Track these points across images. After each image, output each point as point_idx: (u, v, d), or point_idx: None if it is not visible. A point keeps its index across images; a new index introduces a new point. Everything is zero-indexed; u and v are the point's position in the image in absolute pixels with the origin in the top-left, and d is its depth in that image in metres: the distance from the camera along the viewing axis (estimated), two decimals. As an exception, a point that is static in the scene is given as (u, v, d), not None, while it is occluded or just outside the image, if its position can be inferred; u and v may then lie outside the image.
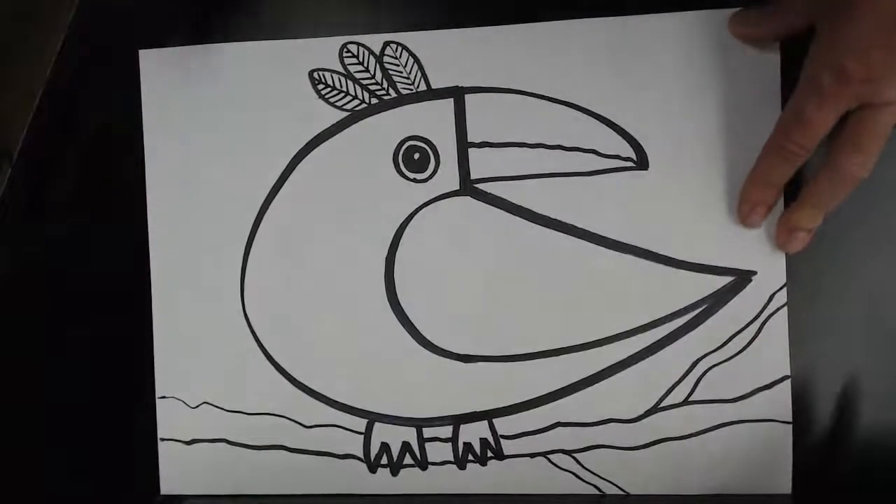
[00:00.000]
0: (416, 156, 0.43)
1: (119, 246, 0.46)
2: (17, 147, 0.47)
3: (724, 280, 0.40)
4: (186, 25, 0.46)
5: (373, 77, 0.43)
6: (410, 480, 0.43)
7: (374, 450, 0.43)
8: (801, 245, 0.39)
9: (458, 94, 0.43)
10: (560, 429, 0.42)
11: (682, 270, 0.41)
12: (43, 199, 0.47)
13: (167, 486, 0.45)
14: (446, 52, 0.43)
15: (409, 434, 0.43)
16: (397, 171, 0.43)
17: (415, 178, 0.43)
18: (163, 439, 0.45)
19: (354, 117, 0.43)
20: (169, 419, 0.45)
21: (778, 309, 0.40)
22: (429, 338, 0.43)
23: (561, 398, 0.42)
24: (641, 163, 0.41)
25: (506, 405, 0.42)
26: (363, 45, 0.43)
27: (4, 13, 0.48)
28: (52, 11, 0.47)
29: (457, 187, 0.43)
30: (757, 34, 0.40)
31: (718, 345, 0.40)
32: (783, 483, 0.40)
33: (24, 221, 0.47)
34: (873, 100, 0.34)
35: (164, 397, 0.45)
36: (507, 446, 0.42)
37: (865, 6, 0.33)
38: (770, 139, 0.38)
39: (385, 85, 0.43)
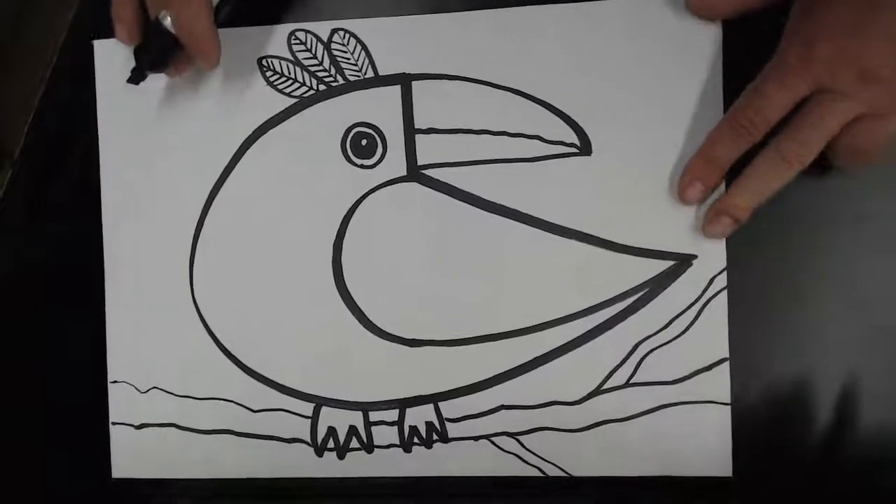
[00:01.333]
0: (364, 142, 0.43)
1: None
2: (18, 147, 0.47)
3: (665, 264, 0.41)
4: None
5: (321, 64, 0.44)
6: (357, 464, 0.43)
7: (321, 434, 0.44)
8: (723, 230, 0.39)
9: (405, 81, 0.43)
10: (504, 412, 0.42)
11: (623, 255, 0.41)
12: (43, 199, 0.47)
13: (118, 471, 0.45)
14: (393, 40, 0.43)
15: (356, 418, 0.43)
16: (345, 158, 0.43)
17: (362, 165, 0.43)
18: (114, 423, 0.46)
19: (303, 104, 0.44)
20: (120, 403, 0.45)
21: (718, 292, 0.40)
22: (376, 322, 0.43)
23: (505, 381, 0.42)
24: (585, 148, 0.42)
25: (451, 388, 0.43)
26: (311, 33, 0.44)
27: (4, 13, 0.48)
28: (52, 11, 0.47)
29: (404, 173, 0.43)
30: (724, 5, 0.39)
31: (659, 328, 0.41)
32: (724, 465, 0.40)
33: (24, 221, 0.47)
34: (832, 86, 0.35)
35: (115, 382, 0.46)
36: (452, 429, 0.43)
37: None
38: (726, 114, 0.39)
39: (333, 72, 0.44)
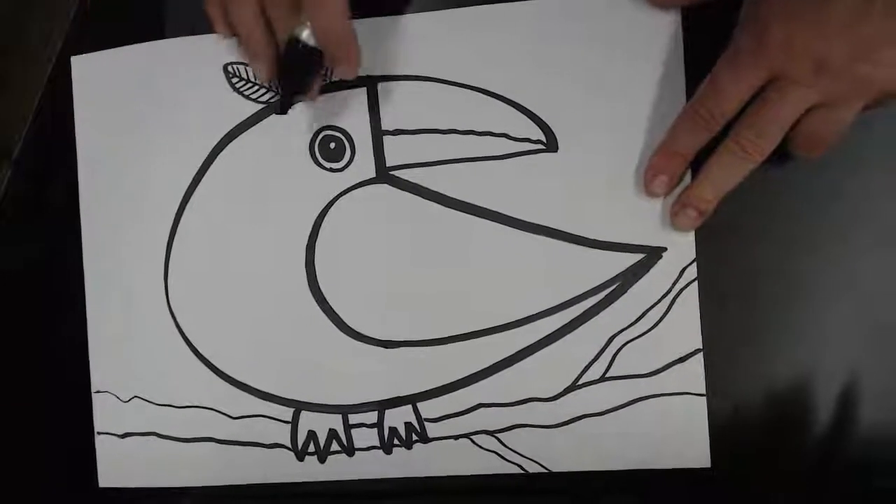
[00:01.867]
0: (332, 145, 0.43)
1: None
2: (17, 147, 0.47)
3: (635, 257, 0.41)
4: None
5: (286, 69, 0.44)
6: (338, 467, 0.43)
7: (302, 438, 0.44)
8: (689, 223, 0.39)
9: (370, 84, 0.43)
10: (482, 410, 0.42)
11: (593, 249, 0.41)
12: (43, 199, 0.47)
13: (105, 480, 0.46)
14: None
15: (336, 421, 0.44)
16: (314, 161, 0.43)
17: (331, 168, 0.43)
18: (99, 433, 0.46)
19: (269, 109, 0.44)
20: (104, 413, 0.46)
21: (688, 284, 0.40)
22: (351, 325, 0.43)
23: (482, 379, 0.42)
24: (551, 145, 0.41)
25: (428, 389, 0.43)
26: (276, 38, 0.44)
27: (4, 13, 0.48)
28: (52, 11, 0.47)
29: (373, 175, 0.43)
30: None
31: (632, 321, 0.41)
32: (702, 456, 0.40)
33: (24, 221, 0.48)
34: (786, 74, 0.35)
35: (99, 392, 0.46)
36: (432, 429, 0.43)
37: None
38: (685, 106, 0.39)
39: (299, 76, 0.43)
